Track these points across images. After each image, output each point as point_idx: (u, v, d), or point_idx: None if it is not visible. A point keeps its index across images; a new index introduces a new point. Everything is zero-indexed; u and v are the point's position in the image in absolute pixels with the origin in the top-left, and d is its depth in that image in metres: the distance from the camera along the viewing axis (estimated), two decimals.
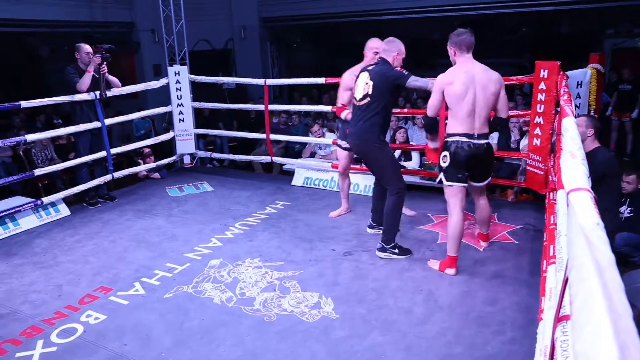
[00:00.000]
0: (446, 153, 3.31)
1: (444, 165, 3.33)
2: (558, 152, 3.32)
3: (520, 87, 8.34)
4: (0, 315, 3.12)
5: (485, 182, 3.55)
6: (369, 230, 4.18)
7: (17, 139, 4.92)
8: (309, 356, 2.57)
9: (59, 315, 3.08)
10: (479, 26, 10.91)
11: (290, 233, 4.25)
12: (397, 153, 5.63)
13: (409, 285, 3.27)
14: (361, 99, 3.62)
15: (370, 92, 3.55)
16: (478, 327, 2.77)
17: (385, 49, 3.63)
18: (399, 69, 3.59)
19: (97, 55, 4.84)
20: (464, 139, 3.27)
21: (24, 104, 4.57)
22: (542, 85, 4.25)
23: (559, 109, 3.78)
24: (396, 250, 3.66)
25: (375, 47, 3.99)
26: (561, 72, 4.15)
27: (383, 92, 3.54)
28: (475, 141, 3.26)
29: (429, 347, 2.60)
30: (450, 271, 3.39)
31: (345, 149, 4.38)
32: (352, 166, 5.51)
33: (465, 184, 3.36)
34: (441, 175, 3.36)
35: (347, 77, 4.25)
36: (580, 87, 4.46)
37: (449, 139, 3.32)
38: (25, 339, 2.84)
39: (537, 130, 4.38)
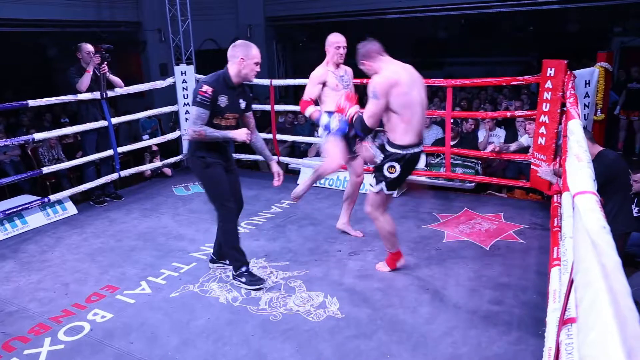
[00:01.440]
0: (395, 164, 3.06)
1: (390, 176, 3.10)
2: (564, 155, 3.31)
3: (527, 87, 8.29)
4: (8, 313, 3.15)
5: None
6: (210, 264, 3.66)
7: (25, 137, 4.96)
8: (315, 355, 2.57)
9: (66, 314, 3.11)
10: (485, 25, 10.89)
11: (295, 232, 4.26)
12: None
13: (415, 285, 3.26)
14: None
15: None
16: (484, 326, 2.76)
17: (230, 55, 3.11)
18: (253, 77, 3.17)
19: (96, 55, 4.87)
20: (416, 149, 3.08)
21: (32, 102, 4.61)
22: (548, 84, 4.23)
23: (565, 109, 3.76)
24: (243, 280, 3.26)
25: (336, 42, 3.74)
26: (568, 71, 4.13)
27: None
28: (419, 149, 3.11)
29: (435, 347, 2.60)
30: (401, 262, 3.44)
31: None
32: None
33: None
34: (382, 185, 3.14)
35: (321, 70, 3.89)
36: (589, 86, 4.43)
37: (401, 151, 3.04)
38: (34, 336, 2.87)
39: (542, 129, 4.36)
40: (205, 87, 3.01)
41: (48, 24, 8.72)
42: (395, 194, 3.26)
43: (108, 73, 4.99)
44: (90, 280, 3.54)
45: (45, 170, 4.94)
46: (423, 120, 3.09)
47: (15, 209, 4.52)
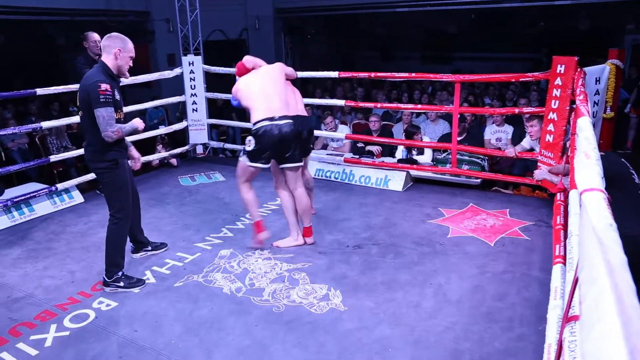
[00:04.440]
0: (251, 139, 3.57)
1: (248, 148, 3.58)
2: (572, 153, 3.29)
3: (537, 83, 8.22)
4: (15, 299, 3.18)
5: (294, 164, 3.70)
6: (133, 255, 3.70)
7: (33, 125, 5.00)
8: (317, 347, 2.59)
9: (71, 301, 3.14)
10: (495, 20, 10.80)
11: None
12: (400, 150, 5.61)
13: (418, 279, 3.26)
14: (79, 113, 3.11)
15: (79, 105, 3.04)
16: (487, 322, 2.76)
17: (105, 47, 3.02)
18: (123, 74, 3.11)
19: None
20: (266, 123, 3.52)
21: (40, 91, 4.63)
22: (558, 81, 4.19)
23: (574, 106, 3.73)
24: (121, 284, 3.22)
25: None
26: (579, 68, 4.09)
27: (87, 105, 2.95)
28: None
29: (437, 342, 2.61)
30: (263, 235, 3.74)
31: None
32: (364, 160, 5.52)
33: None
34: (245, 157, 3.64)
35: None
36: (599, 83, 4.39)
37: (253, 127, 3.58)
38: (40, 323, 2.90)
39: (551, 127, 4.32)
40: (104, 85, 2.90)
41: (57, 13, 8.73)
42: (261, 166, 3.62)
43: None
44: (95, 269, 3.57)
45: (53, 158, 4.97)
46: (273, 99, 3.60)
47: (23, 197, 4.56)
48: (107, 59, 3.03)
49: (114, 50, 3.01)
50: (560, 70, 4.16)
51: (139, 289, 3.26)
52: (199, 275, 3.42)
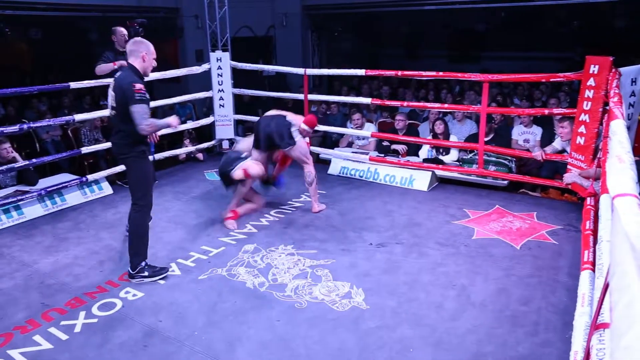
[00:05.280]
0: None
1: None
2: (604, 156, 3.21)
3: (570, 84, 8.02)
4: (47, 285, 3.29)
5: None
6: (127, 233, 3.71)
7: (67, 118, 5.14)
8: (338, 344, 2.59)
9: (100, 290, 3.23)
10: (526, 18, 10.56)
11: (324, 222, 4.28)
12: (425, 149, 5.55)
13: (442, 280, 3.24)
14: (111, 110, 3.33)
15: (114, 105, 3.24)
16: (511, 326, 2.72)
17: (130, 51, 3.27)
18: (149, 74, 3.33)
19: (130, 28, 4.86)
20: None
21: (73, 84, 4.76)
22: (591, 82, 4.09)
23: (607, 108, 3.63)
24: (145, 273, 3.33)
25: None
26: (613, 69, 3.97)
27: (123, 104, 3.16)
28: None
29: (459, 344, 2.58)
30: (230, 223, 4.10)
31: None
32: (389, 159, 5.49)
33: None
34: None
35: None
36: (635, 84, 4.25)
37: None
38: (70, 309, 3.00)
39: (582, 129, 4.22)
40: (139, 85, 3.13)
41: (90, 9, 8.93)
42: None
43: None
44: (123, 259, 3.65)
45: (84, 150, 5.11)
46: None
47: (55, 187, 4.70)
48: (135, 62, 3.26)
49: (141, 54, 3.26)
50: (593, 71, 4.05)
51: (164, 279, 3.34)
52: (223, 269, 3.46)
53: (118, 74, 3.32)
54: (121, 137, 3.27)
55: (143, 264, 3.34)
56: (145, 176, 3.37)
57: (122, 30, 5.04)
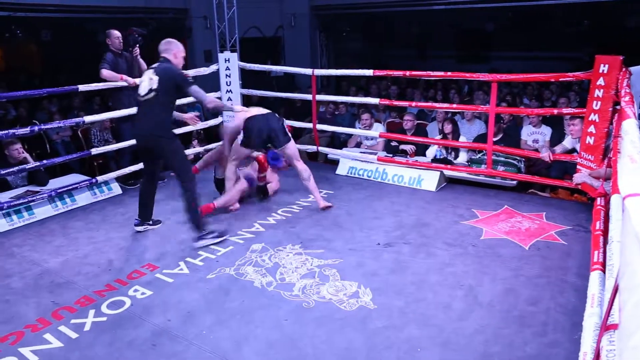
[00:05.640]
0: None
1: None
2: (614, 156, 3.17)
3: (580, 83, 7.96)
4: (57, 284, 3.33)
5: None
6: (137, 228, 4.15)
7: (77, 120, 5.19)
8: (345, 344, 2.60)
9: (109, 288, 3.25)
10: (534, 17, 10.50)
11: (332, 221, 4.28)
12: (432, 149, 5.54)
13: (449, 280, 3.23)
14: (146, 94, 3.67)
15: (155, 87, 3.62)
16: (518, 326, 2.71)
17: (165, 50, 3.75)
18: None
19: (136, 46, 5.19)
20: None
21: (81, 87, 4.81)
22: (600, 81, 4.06)
23: (618, 108, 3.60)
24: (215, 234, 3.82)
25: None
26: (623, 68, 3.94)
27: (168, 88, 3.63)
28: None
29: (466, 344, 2.58)
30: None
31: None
32: (397, 159, 5.48)
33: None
34: None
35: None
36: None
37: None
38: (79, 308, 3.02)
39: (591, 128, 4.19)
40: (184, 72, 3.80)
41: (99, 11, 9.01)
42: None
43: (139, 57, 5.18)
44: (132, 258, 3.69)
45: (94, 151, 5.15)
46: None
47: (65, 188, 4.75)
48: (169, 57, 3.74)
49: (174, 51, 3.75)
50: (603, 70, 4.02)
51: (226, 236, 3.89)
52: (231, 268, 3.48)
53: (157, 64, 3.73)
54: (158, 122, 3.66)
55: (205, 232, 3.78)
56: (184, 154, 3.90)
57: (116, 33, 5.15)
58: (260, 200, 4.81)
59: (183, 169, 3.78)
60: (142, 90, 3.68)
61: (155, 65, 3.72)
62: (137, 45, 5.15)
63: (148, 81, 3.66)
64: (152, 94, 3.62)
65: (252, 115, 4.45)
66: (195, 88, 3.67)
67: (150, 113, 3.67)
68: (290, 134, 4.55)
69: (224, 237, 3.86)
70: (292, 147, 4.48)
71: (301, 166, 4.48)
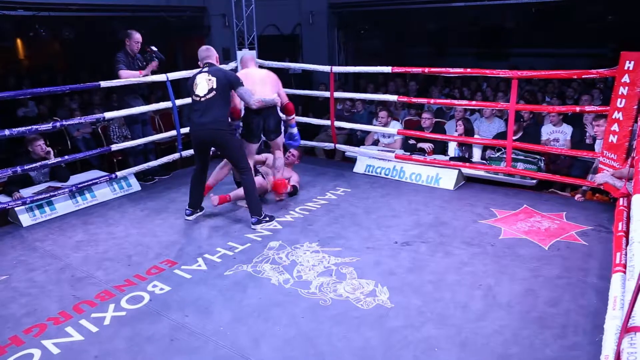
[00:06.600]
0: None
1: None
2: (638, 155, 3.11)
3: (604, 81, 7.79)
4: (78, 279, 3.39)
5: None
6: (188, 218, 4.38)
7: (97, 116, 5.27)
8: (362, 342, 2.59)
9: (128, 283, 3.30)
10: (557, 13, 10.30)
11: (349, 220, 4.28)
12: (452, 148, 5.48)
13: (468, 280, 3.20)
14: (206, 94, 3.99)
15: (215, 87, 3.97)
16: (538, 328, 2.67)
17: (208, 55, 4.16)
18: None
19: (154, 61, 5.34)
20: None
21: (104, 84, 4.88)
22: (625, 78, 3.97)
23: None
24: (267, 218, 4.23)
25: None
26: None
27: (225, 87, 4.01)
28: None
29: (484, 345, 2.55)
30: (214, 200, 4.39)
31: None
32: (415, 157, 5.44)
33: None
34: None
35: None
36: None
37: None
38: (100, 302, 3.08)
39: (615, 127, 4.11)
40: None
41: (120, 9, 9.12)
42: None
43: (149, 73, 5.31)
44: (150, 254, 3.73)
45: (114, 147, 5.23)
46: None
47: (86, 183, 4.84)
48: (213, 62, 4.15)
49: (215, 56, 4.20)
50: (628, 67, 3.93)
51: (273, 219, 4.26)
52: (248, 265, 3.50)
53: (207, 68, 4.07)
54: (218, 118, 4.00)
55: (262, 215, 4.17)
56: (241, 144, 4.33)
57: (138, 37, 5.19)
58: (290, 196, 4.89)
59: (242, 159, 4.16)
60: (201, 91, 3.99)
61: (205, 69, 4.07)
62: (150, 63, 5.28)
63: (206, 82, 3.99)
64: (213, 93, 3.97)
65: (252, 111, 4.51)
66: (244, 88, 4.08)
67: (212, 110, 3.98)
68: (283, 128, 4.71)
69: (274, 219, 4.29)
70: (280, 136, 4.68)
71: (279, 154, 4.70)
